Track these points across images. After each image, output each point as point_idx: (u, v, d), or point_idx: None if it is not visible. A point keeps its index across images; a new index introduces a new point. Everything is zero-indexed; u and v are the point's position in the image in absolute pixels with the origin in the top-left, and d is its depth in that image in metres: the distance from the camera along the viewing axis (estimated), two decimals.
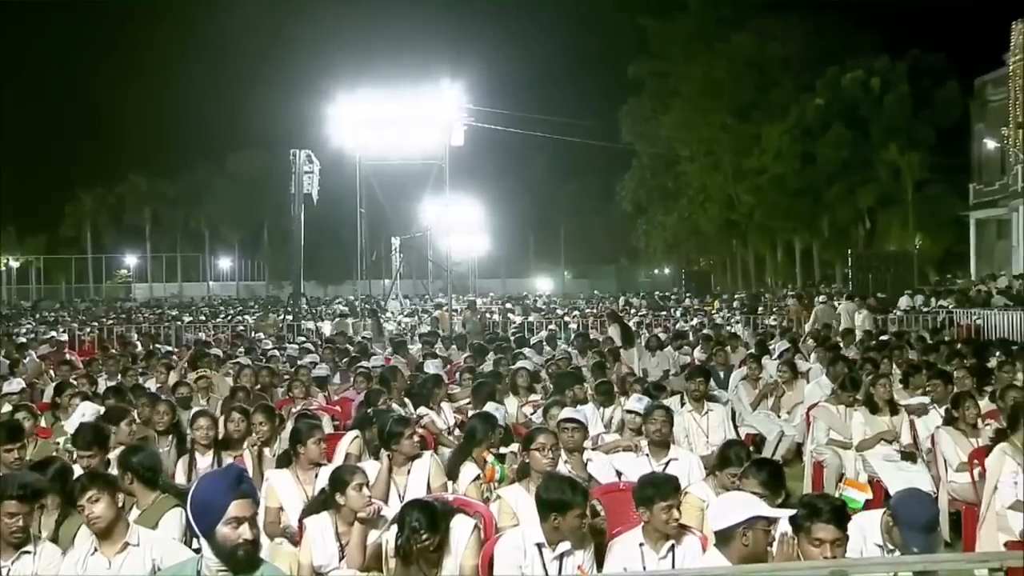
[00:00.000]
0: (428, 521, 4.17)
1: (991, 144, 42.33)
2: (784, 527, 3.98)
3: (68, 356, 14.69)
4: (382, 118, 26.11)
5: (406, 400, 8.49)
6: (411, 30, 62.66)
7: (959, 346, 13.40)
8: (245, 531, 3.23)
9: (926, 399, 8.56)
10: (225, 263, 74.86)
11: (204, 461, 6.59)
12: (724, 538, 3.88)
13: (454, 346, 15.45)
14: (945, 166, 42.91)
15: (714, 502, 4.07)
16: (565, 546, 4.36)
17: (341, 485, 4.71)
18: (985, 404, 8.32)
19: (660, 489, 4.43)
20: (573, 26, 62.73)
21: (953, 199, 42.78)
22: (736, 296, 36.95)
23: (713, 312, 28.21)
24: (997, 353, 11.78)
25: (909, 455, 7.56)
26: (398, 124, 26.10)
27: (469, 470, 5.82)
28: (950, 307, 23.78)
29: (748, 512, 3.80)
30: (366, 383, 9.43)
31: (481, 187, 47.57)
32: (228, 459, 6.49)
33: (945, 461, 7.15)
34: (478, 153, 39.14)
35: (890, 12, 48.59)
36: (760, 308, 28.85)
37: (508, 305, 33.03)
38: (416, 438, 5.75)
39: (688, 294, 39.31)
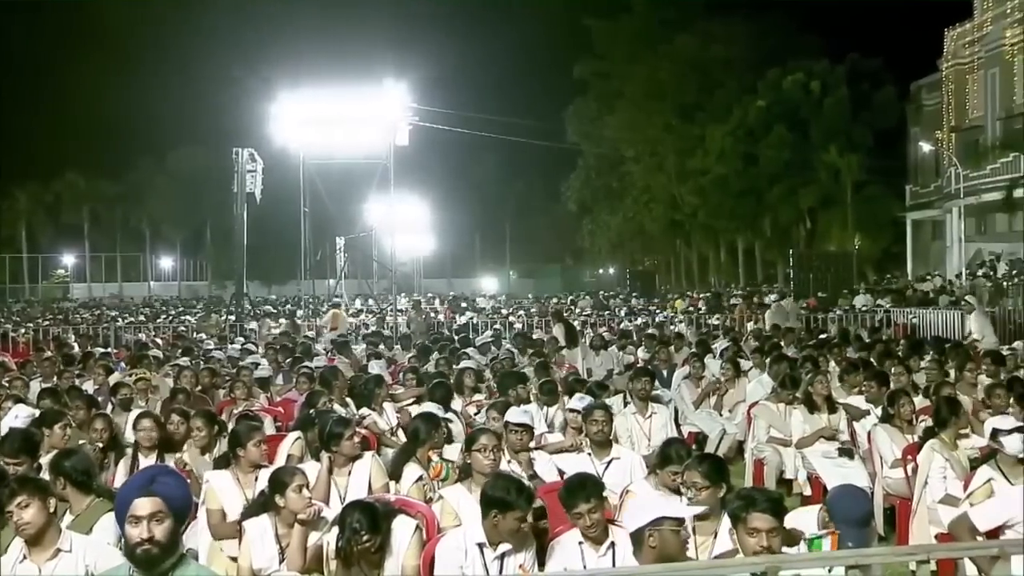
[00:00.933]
0: (369, 522, 4.14)
1: (926, 147, 43.35)
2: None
3: (0, 357, 14.31)
4: (326, 117, 25.82)
5: (348, 400, 8.44)
6: (356, 28, 62.35)
7: (895, 345, 13.70)
8: (143, 530, 3.21)
9: (862, 399, 8.69)
10: (166, 263, 73.82)
11: (147, 463, 6.46)
12: (635, 541, 3.90)
13: (398, 346, 15.39)
14: (883, 168, 43.82)
15: (625, 508, 4.06)
16: (506, 546, 4.37)
17: (280, 487, 4.66)
18: (920, 400, 8.52)
19: (572, 495, 4.45)
20: (519, 26, 62.92)
21: (890, 200, 43.69)
22: (701, 295, 37.30)
23: (676, 312, 28.24)
24: (931, 352, 12.04)
25: (847, 451, 7.70)
26: (342, 123, 25.83)
27: (412, 471, 5.80)
28: (887, 306, 24.28)
29: (652, 513, 3.81)
30: (308, 384, 9.33)
31: (426, 187, 47.50)
32: (170, 461, 6.38)
33: (881, 457, 7.29)
34: (423, 153, 39.06)
35: (830, 16, 49.67)
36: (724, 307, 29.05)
37: (464, 304, 33.07)
38: (357, 439, 5.72)
39: (635, 294, 39.61)
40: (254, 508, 4.89)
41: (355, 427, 5.88)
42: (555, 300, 36.95)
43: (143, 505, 3.26)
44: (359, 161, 27.98)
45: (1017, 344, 13.64)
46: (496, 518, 4.31)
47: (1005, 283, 27.42)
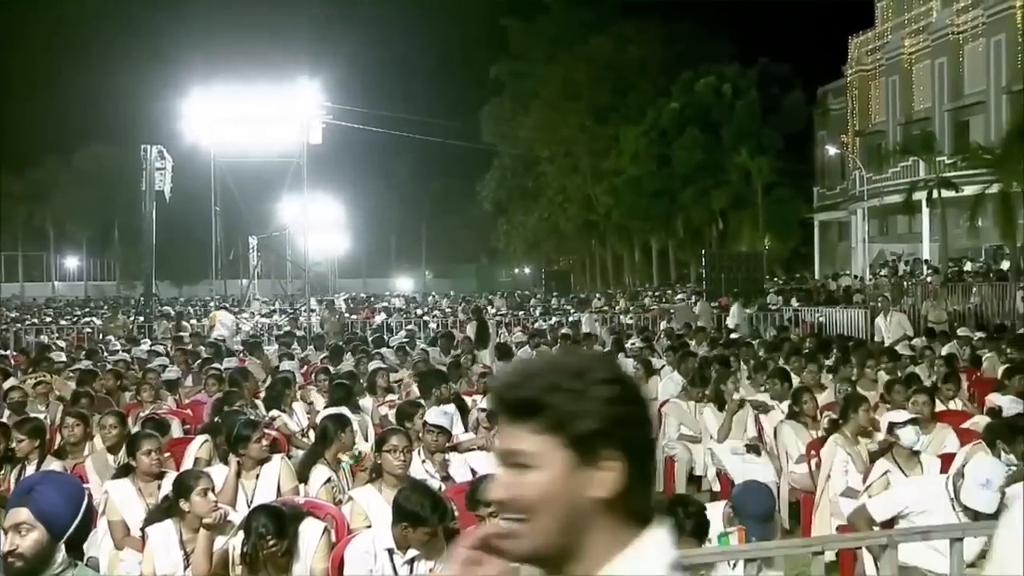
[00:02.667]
0: (275, 526, 4.08)
1: (832, 150, 44.57)
2: None
3: None
4: (238, 114, 25.52)
5: (257, 402, 8.32)
6: (268, 25, 61.35)
7: (802, 343, 14.08)
8: (8, 542, 3.14)
9: (767, 396, 8.88)
10: (72, 262, 71.60)
11: (29, 470, 6.22)
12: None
13: (311, 347, 15.22)
14: (791, 170, 44.85)
15: None
16: (416, 552, 4.34)
17: (185, 490, 4.56)
18: (826, 396, 8.77)
19: (475, 499, 4.48)
20: (435, 25, 62.72)
21: (799, 202, 44.71)
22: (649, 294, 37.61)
23: (616, 309, 28.34)
24: (835, 349, 12.40)
25: (753, 448, 7.88)
26: (254, 120, 25.56)
27: (320, 472, 5.73)
28: (796, 306, 24.92)
29: None
30: (218, 385, 9.16)
31: (341, 186, 47.11)
32: (55, 466, 6.16)
33: (787, 453, 7.48)
34: (337, 151, 38.75)
35: (740, 22, 50.85)
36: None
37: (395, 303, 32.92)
38: (265, 441, 5.63)
39: (555, 294, 39.83)
40: (157, 513, 4.78)
41: (264, 429, 5.80)
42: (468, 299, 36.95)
43: (12, 516, 3.16)
44: (272, 159, 27.66)
45: (916, 341, 14.14)
46: (406, 530, 4.28)
47: (905, 283, 28.37)
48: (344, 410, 6.80)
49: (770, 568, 4.08)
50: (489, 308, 30.32)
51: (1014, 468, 5.20)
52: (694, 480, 8.47)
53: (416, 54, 63.85)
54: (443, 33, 61.99)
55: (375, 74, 57.68)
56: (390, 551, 4.34)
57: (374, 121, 40.53)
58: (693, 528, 3.97)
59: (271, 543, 4.06)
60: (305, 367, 12.43)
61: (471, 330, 15.78)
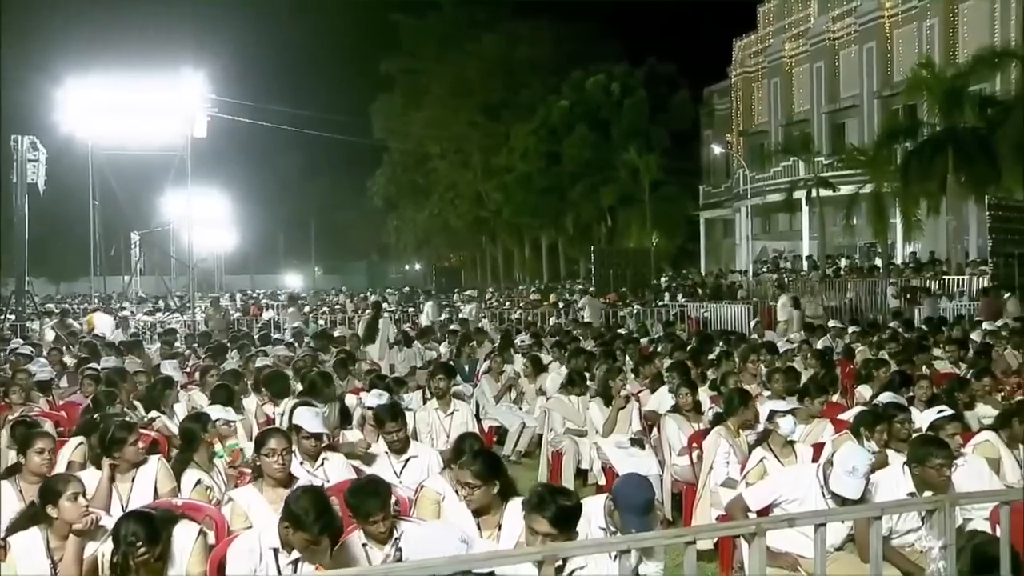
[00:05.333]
0: (145, 533, 3.94)
1: (718, 150, 45.72)
2: None
3: None
4: (117, 105, 24.61)
5: (136, 403, 8.05)
6: (151, 12, 59.41)
7: (688, 339, 14.40)
8: None
9: (664, 389, 8.98)
10: None
11: None
12: None
13: (195, 345, 14.84)
14: (678, 168, 45.81)
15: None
16: (299, 553, 4.26)
17: (53, 496, 4.37)
18: (708, 391, 8.96)
19: (365, 503, 4.39)
20: (325, 19, 61.81)
21: (685, 199, 45.72)
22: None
23: (550, 304, 28.16)
24: (720, 343, 12.73)
25: (637, 441, 8.01)
26: (135, 112, 24.69)
27: (190, 476, 5.59)
28: (681, 301, 25.49)
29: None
30: (94, 386, 8.82)
31: (227, 181, 46.13)
32: None
33: (670, 445, 7.62)
34: (223, 145, 37.89)
35: (630, 23, 51.77)
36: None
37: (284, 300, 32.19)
38: (141, 444, 5.46)
39: (456, 290, 39.74)
40: (22, 521, 4.57)
41: (140, 431, 5.63)
42: (360, 296, 36.58)
43: None
44: (154, 152, 26.83)
45: (794, 336, 14.62)
46: (287, 529, 4.18)
47: (786, 278, 29.29)
48: (213, 409, 6.60)
49: (651, 559, 4.16)
50: (384, 304, 30.09)
51: (876, 454, 5.43)
52: (581, 474, 8.57)
53: (305, 48, 62.97)
54: (333, 27, 61.23)
55: (263, 67, 56.68)
56: (275, 550, 4.26)
57: (262, 115, 39.72)
58: (562, 516, 4.00)
59: (142, 550, 3.92)
60: (187, 366, 12.11)
61: (361, 327, 15.65)
